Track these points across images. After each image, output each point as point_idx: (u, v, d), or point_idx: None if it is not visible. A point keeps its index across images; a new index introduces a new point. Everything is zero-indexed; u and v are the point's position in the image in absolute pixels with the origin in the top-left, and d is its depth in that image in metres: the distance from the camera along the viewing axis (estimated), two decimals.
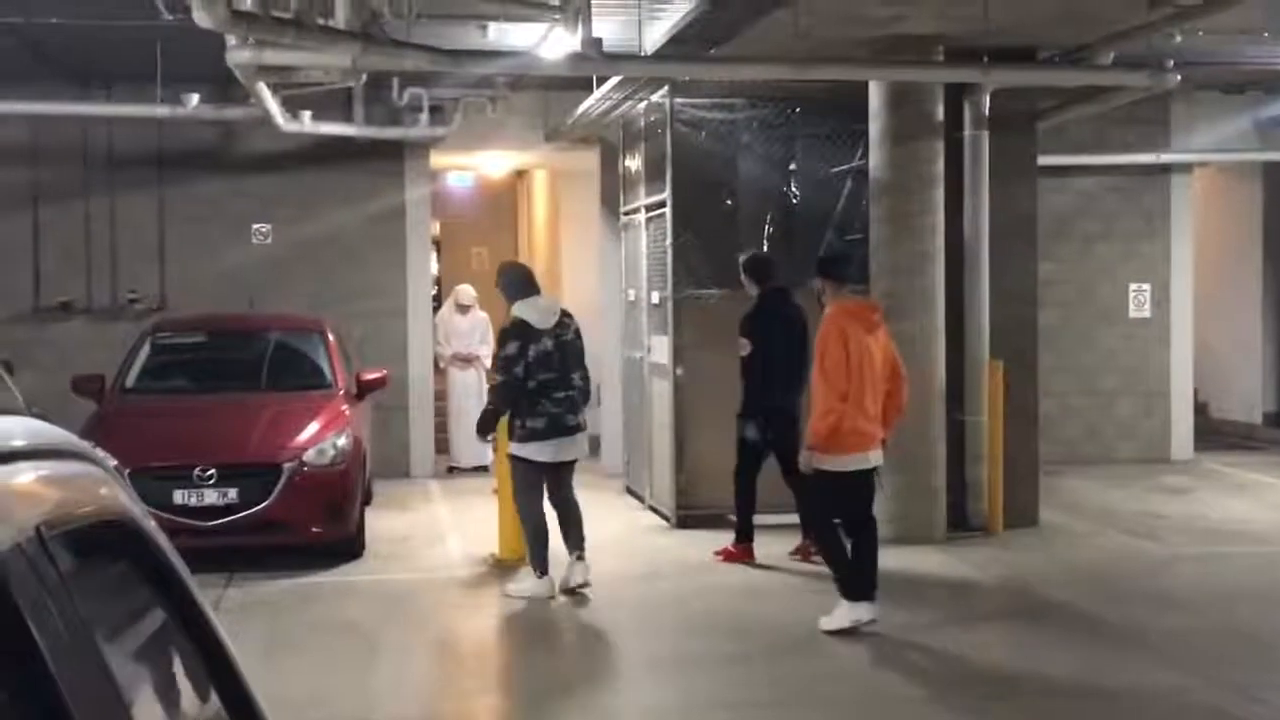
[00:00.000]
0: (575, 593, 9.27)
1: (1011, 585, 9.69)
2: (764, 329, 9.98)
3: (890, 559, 10.09)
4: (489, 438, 9.62)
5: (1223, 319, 17.18)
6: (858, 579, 8.28)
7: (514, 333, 9.14)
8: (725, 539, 10.69)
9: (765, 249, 11.82)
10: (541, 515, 9.32)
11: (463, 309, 15.50)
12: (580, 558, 9.38)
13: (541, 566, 9.26)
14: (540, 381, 9.09)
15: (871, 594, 8.32)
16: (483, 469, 14.45)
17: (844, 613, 8.24)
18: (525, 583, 9.33)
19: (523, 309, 9.22)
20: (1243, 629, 8.53)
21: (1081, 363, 15.69)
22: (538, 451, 9.15)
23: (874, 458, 8.34)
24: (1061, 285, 15.37)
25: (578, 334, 9.39)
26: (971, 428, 11.44)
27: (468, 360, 15.10)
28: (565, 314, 9.38)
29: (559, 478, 9.37)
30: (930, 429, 10.93)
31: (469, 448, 14.81)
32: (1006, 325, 11.60)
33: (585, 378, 9.36)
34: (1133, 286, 15.83)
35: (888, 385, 8.36)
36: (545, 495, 9.36)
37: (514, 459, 9.28)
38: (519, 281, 9.45)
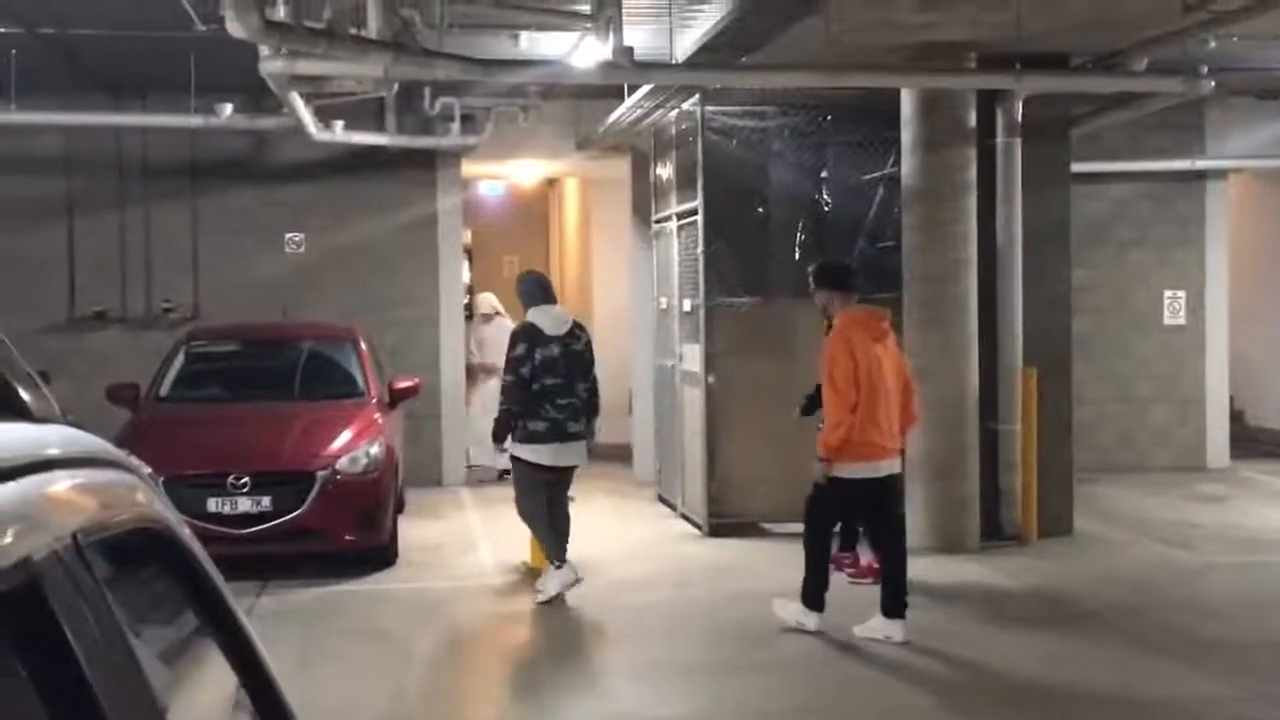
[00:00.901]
0: (550, 602, 9.36)
1: (1045, 594, 9.65)
2: None
3: (923, 568, 10.08)
4: (502, 447, 9.74)
5: (1259, 325, 17.06)
6: (821, 592, 8.41)
7: (522, 335, 9.51)
8: (758, 547, 10.68)
9: (797, 257, 11.82)
10: (542, 517, 9.58)
11: (484, 318, 15.56)
12: (558, 567, 9.51)
13: (559, 556, 9.45)
14: (545, 386, 9.39)
15: (901, 610, 8.31)
16: (505, 473, 14.48)
17: (796, 611, 8.46)
18: (550, 580, 9.44)
19: (535, 315, 9.58)
20: (1279, 639, 8.47)
21: (1116, 370, 15.61)
22: (536, 454, 9.45)
23: (885, 467, 8.36)
24: (1096, 292, 15.30)
25: (588, 346, 9.67)
26: (1005, 436, 11.40)
27: (490, 370, 15.08)
28: (577, 326, 9.67)
29: (558, 483, 9.64)
30: (963, 437, 10.89)
31: (477, 448, 14.89)
32: (1040, 332, 11.55)
33: (591, 390, 9.62)
34: (1167, 293, 15.73)
35: (900, 395, 8.43)
36: (545, 499, 9.57)
37: (514, 460, 9.58)
38: (534, 290, 9.76)
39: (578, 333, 9.61)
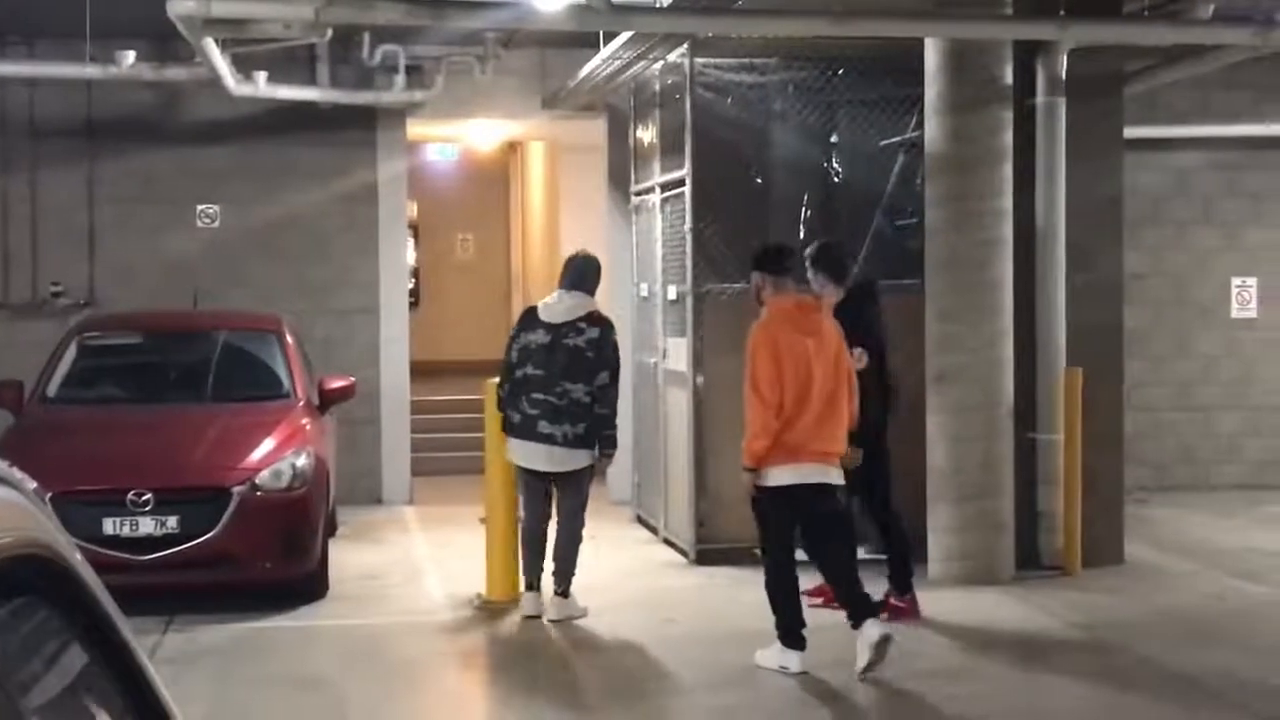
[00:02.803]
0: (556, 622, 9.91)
1: (1088, 635, 9.69)
2: (864, 338, 9.67)
3: (947, 603, 10.12)
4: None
5: None
6: (796, 626, 8.59)
7: (521, 315, 10.34)
8: (753, 578, 10.70)
9: (802, 236, 11.83)
10: (527, 522, 10.10)
11: None
12: (559, 593, 9.97)
13: (525, 579, 10.07)
14: (525, 375, 9.89)
15: (867, 615, 8.45)
16: None
17: (775, 654, 8.66)
18: (522, 601, 10.08)
19: (548, 297, 10.21)
20: None
21: (1175, 372, 15.66)
22: (510, 450, 10.05)
23: (813, 473, 8.53)
24: (1151, 280, 15.35)
25: (594, 344, 9.88)
26: (1044, 448, 11.43)
27: None
28: (588, 319, 9.93)
29: (559, 491, 10.05)
30: (996, 449, 10.92)
31: None
32: (1086, 327, 11.58)
33: (595, 395, 9.83)
34: (1236, 281, 15.80)
35: (844, 394, 8.69)
36: (539, 503, 10.08)
37: None
38: (564, 271, 10.25)
39: (581, 326, 9.88)
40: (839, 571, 8.67)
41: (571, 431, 9.77)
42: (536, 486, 10.04)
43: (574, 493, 10.03)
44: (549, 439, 9.79)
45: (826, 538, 8.70)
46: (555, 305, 9.99)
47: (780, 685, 8.45)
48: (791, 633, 8.57)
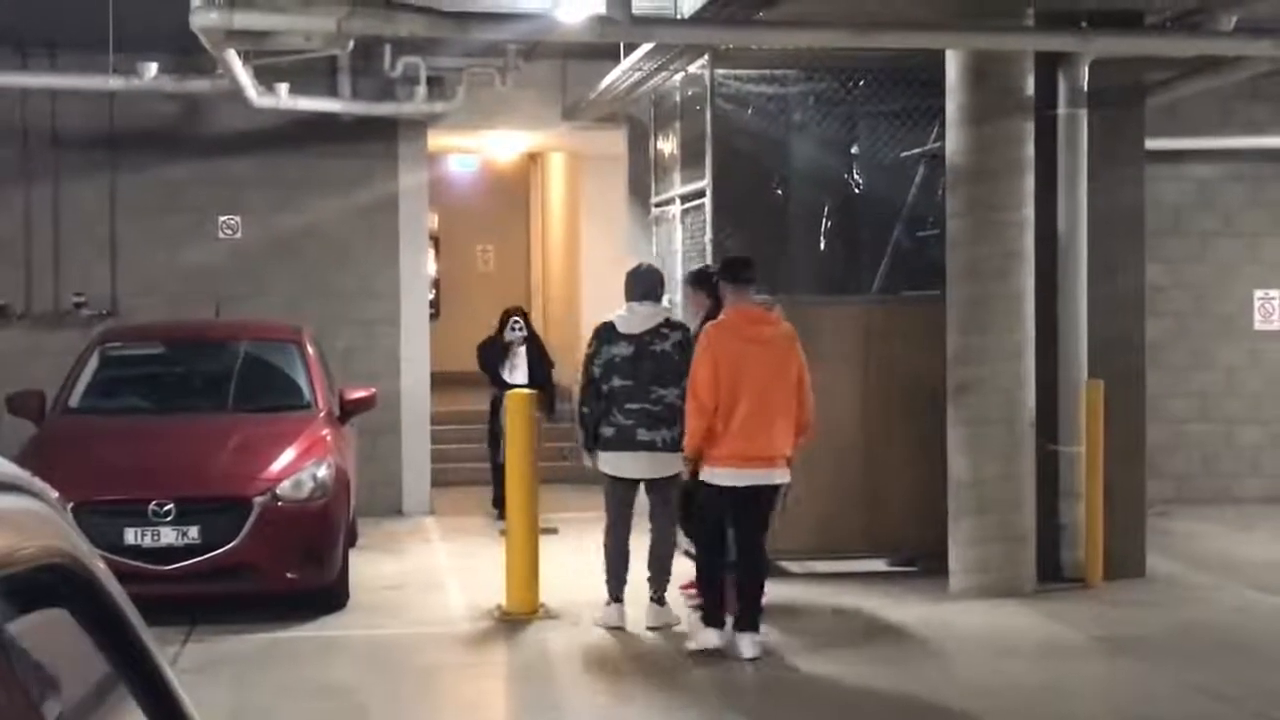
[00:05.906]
0: (656, 630, 9.98)
1: (1110, 647, 9.67)
2: None
3: (969, 614, 10.09)
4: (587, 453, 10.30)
5: None
6: (715, 608, 9.22)
7: (596, 332, 10.25)
8: (774, 590, 10.68)
9: (823, 247, 11.84)
10: (614, 534, 10.18)
11: None
12: (655, 599, 10.09)
13: (610, 591, 10.07)
14: (613, 388, 9.99)
15: (753, 622, 9.09)
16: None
17: (698, 630, 9.34)
18: (600, 614, 10.06)
19: (620, 310, 10.21)
20: None
21: (1197, 384, 15.62)
22: (605, 462, 10.12)
23: (748, 476, 9.02)
24: (1173, 292, 15.31)
25: (678, 347, 10.01)
26: (1066, 460, 11.40)
27: None
28: (668, 325, 10.13)
29: (652, 499, 10.14)
30: (1017, 461, 10.90)
31: None
32: (1108, 339, 11.56)
33: (686, 397, 9.99)
34: (1259, 293, 15.75)
35: (792, 400, 9.12)
36: (628, 514, 10.23)
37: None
38: (629, 284, 10.30)
39: (665, 332, 10.03)
40: (746, 581, 9.18)
41: (670, 435, 9.86)
42: (627, 497, 10.19)
43: (666, 497, 10.16)
44: (649, 445, 9.91)
45: (749, 537, 9.16)
46: (632, 317, 10.08)
47: (818, 698, 8.43)
48: (713, 612, 9.19)
